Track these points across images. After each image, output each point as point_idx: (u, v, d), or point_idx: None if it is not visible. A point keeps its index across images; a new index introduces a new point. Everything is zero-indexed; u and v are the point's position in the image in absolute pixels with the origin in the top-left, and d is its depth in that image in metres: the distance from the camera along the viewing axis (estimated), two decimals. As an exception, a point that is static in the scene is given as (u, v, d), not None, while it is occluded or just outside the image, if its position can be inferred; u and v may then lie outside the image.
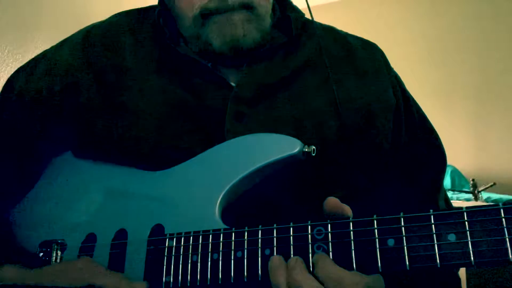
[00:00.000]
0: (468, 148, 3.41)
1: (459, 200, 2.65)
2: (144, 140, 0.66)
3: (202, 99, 0.67)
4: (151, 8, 0.78)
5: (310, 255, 0.49)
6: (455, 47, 3.54)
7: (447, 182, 2.95)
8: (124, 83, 0.69)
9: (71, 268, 0.59)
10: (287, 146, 0.59)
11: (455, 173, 3.03)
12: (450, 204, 0.79)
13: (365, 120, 0.70)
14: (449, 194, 2.75)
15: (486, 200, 2.65)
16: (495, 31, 3.42)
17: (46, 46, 0.81)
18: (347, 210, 0.51)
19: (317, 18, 0.77)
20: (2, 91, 0.77)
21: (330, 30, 0.80)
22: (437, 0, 3.68)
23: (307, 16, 0.77)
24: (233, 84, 0.68)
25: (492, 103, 3.39)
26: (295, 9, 0.77)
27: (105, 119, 0.68)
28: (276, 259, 0.50)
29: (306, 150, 0.58)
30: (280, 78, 0.69)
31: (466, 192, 2.71)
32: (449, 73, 3.54)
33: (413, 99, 0.79)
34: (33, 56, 0.80)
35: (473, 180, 2.72)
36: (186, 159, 0.64)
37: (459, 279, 0.72)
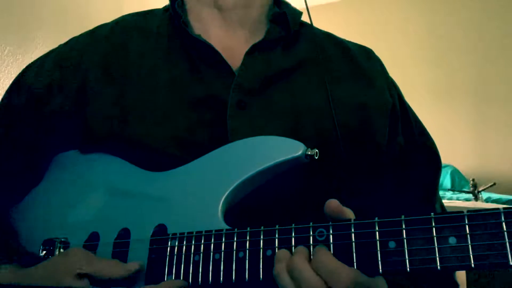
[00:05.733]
0: (468, 148, 3.42)
1: (459, 200, 2.65)
2: (150, 135, 0.66)
3: (207, 87, 0.69)
4: (154, 10, 0.81)
5: (312, 256, 0.50)
6: (455, 47, 3.55)
7: (447, 182, 2.96)
8: (131, 78, 0.71)
9: (63, 259, 0.59)
10: (290, 148, 0.59)
11: (455, 173, 3.03)
12: (445, 210, 0.81)
13: (362, 120, 0.71)
14: (449, 194, 2.75)
15: (486, 200, 2.66)
16: (495, 31, 3.42)
17: (46, 46, 0.82)
18: (348, 212, 0.51)
19: (317, 18, 0.79)
20: (10, 87, 0.78)
21: (328, 35, 0.83)
22: (437, 0, 3.68)
23: (305, 18, 0.79)
24: (235, 72, 0.70)
25: (492, 103, 3.40)
26: (292, 9, 0.79)
27: (112, 114, 0.68)
28: (281, 252, 0.51)
29: (309, 153, 0.59)
30: (279, 70, 0.72)
31: (466, 192, 2.71)
32: (449, 73, 3.54)
33: (408, 104, 0.81)
34: (33, 56, 0.81)
35: (473, 180, 2.72)
36: (190, 152, 0.64)
37: (457, 286, 0.73)
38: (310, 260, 0.49)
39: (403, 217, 0.47)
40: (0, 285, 0.60)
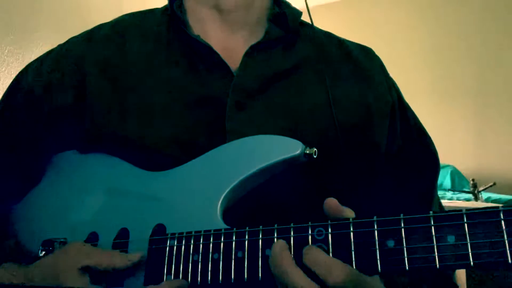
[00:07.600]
0: (468, 148, 3.41)
1: (459, 200, 2.65)
2: (148, 136, 0.66)
3: (206, 88, 0.69)
4: (154, 9, 0.81)
5: (303, 255, 0.49)
6: (455, 46, 3.54)
7: (447, 182, 2.96)
8: (130, 78, 0.70)
9: (63, 255, 0.60)
10: (288, 147, 0.59)
11: (455, 173, 3.03)
12: (443, 209, 0.80)
13: (362, 119, 0.71)
14: (449, 194, 2.75)
15: (486, 200, 2.65)
16: (494, 31, 3.42)
17: (46, 46, 0.82)
18: (348, 211, 0.51)
19: (317, 18, 0.79)
20: (9, 87, 0.77)
21: (328, 35, 0.83)
22: (437, 0, 3.68)
23: (305, 18, 0.79)
24: (234, 73, 0.70)
25: (492, 103, 3.39)
26: (292, 8, 0.79)
27: (111, 114, 0.68)
28: (278, 243, 0.50)
29: (307, 152, 0.59)
30: (278, 70, 0.71)
31: (466, 192, 2.71)
32: (449, 73, 3.54)
33: (408, 104, 0.81)
34: (33, 56, 0.81)
35: (473, 180, 2.72)
36: (188, 153, 0.64)
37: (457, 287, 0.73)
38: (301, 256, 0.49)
39: (402, 216, 0.47)
40: (0, 285, 0.60)
